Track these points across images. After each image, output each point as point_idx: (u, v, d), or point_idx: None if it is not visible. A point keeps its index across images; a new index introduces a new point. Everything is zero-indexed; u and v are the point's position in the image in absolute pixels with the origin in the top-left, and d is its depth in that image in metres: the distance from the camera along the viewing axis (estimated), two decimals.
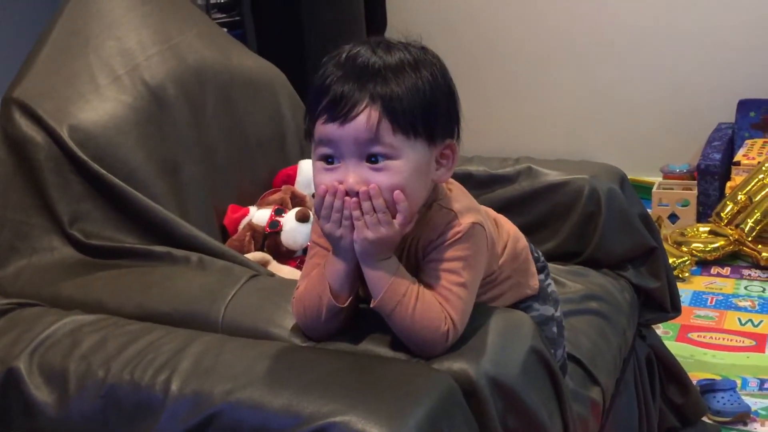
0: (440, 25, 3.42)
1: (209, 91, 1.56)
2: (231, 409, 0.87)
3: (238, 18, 2.97)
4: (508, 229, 1.13)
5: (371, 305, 0.93)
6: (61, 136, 1.30)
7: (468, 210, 0.98)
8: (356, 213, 0.89)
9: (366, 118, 0.88)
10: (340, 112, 0.89)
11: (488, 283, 1.06)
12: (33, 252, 1.28)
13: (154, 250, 1.25)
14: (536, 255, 1.18)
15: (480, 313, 0.98)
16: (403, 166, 0.90)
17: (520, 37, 3.39)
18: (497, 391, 0.91)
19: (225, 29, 2.03)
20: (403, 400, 0.84)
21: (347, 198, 0.89)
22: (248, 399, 0.87)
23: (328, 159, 0.91)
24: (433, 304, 0.92)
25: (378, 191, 0.89)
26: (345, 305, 0.95)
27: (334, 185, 0.90)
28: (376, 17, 3.34)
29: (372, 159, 0.90)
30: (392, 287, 0.91)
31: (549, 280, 1.20)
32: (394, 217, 0.90)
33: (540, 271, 1.17)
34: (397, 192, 0.89)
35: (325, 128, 0.90)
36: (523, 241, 1.14)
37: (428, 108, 0.91)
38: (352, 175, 0.90)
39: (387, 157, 0.89)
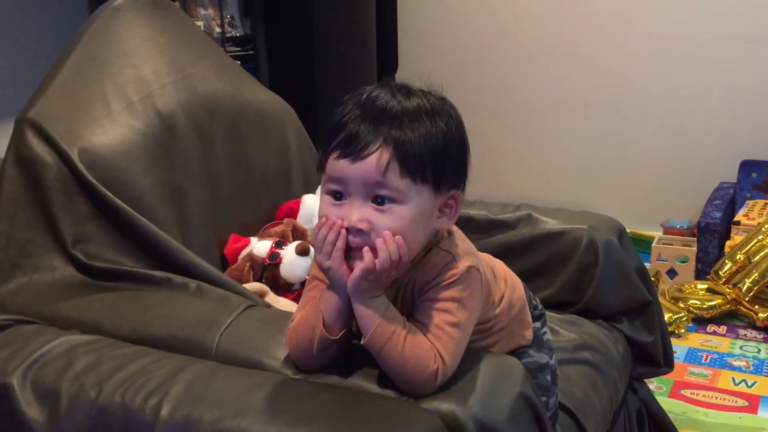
0: (449, 70, 3.47)
1: (219, 122, 1.59)
2: None
3: (252, 52, 3.02)
4: (506, 277, 1.14)
5: (362, 342, 0.94)
6: (71, 158, 1.32)
7: (466, 254, 0.99)
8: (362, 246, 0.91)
9: (377, 158, 0.91)
10: (353, 149, 0.91)
11: (483, 331, 1.07)
12: (35, 270, 1.29)
13: (154, 275, 1.27)
14: (534, 302, 1.19)
15: (471, 357, 0.99)
16: (407, 211, 0.92)
17: (528, 88, 3.44)
18: None
19: (239, 62, 2.07)
20: None
21: (343, 231, 0.91)
22: (237, 428, 0.88)
23: (336, 194, 0.94)
24: (423, 342, 0.93)
25: (390, 237, 0.90)
26: (337, 338, 0.96)
27: (333, 219, 0.92)
28: (388, 59, 3.40)
29: (378, 200, 0.92)
30: (382, 324, 0.93)
31: (545, 328, 1.21)
32: None
33: (537, 318, 1.18)
34: (397, 237, 0.91)
35: (337, 164, 0.92)
36: (519, 290, 1.15)
37: (438, 156, 0.93)
38: (357, 212, 0.92)
39: (392, 200, 0.92)
